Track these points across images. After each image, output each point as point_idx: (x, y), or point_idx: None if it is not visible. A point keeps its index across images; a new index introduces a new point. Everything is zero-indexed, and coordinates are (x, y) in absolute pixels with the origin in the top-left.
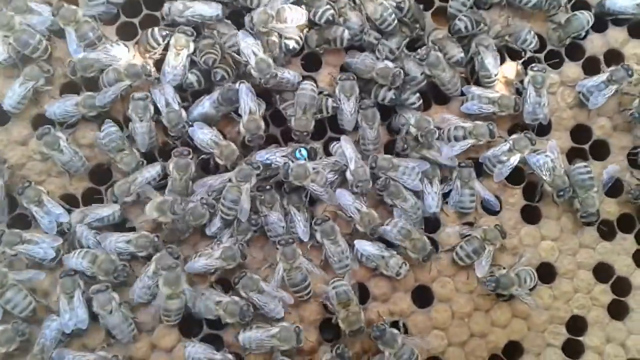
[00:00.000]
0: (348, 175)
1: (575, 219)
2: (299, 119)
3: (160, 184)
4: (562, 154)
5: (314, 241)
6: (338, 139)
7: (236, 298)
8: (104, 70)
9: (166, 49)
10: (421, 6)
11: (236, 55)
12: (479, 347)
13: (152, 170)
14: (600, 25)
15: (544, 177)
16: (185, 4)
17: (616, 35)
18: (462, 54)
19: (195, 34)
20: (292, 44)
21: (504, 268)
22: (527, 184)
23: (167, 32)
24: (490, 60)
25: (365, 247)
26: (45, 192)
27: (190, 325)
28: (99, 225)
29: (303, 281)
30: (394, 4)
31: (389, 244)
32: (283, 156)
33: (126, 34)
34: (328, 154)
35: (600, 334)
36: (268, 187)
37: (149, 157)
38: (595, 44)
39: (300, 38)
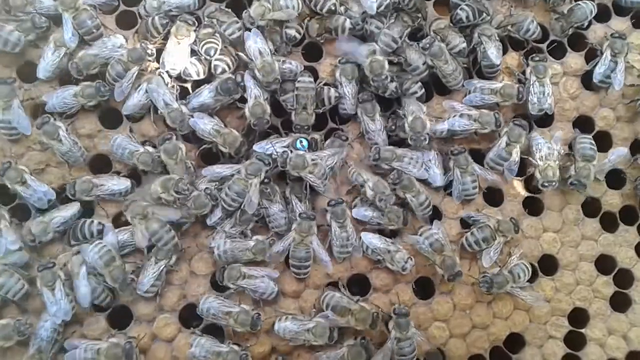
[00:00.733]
0: (368, 192)
1: (577, 210)
2: (300, 114)
3: None
4: (565, 144)
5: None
6: (339, 129)
7: (246, 307)
8: (107, 65)
9: (166, 38)
10: None
11: (243, 55)
12: (480, 338)
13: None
14: (603, 15)
15: (538, 162)
16: (158, 0)
17: (619, 26)
18: (465, 44)
19: (197, 23)
20: (292, 33)
21: (499, 266)
22: (529, 176)
23: (168, 20)
24: (492, 50)
25: (372, 239)
26: (28, 171)
27: (191, 315)
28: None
29: (305, 260)
30: None
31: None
32: (283, 147)
33: (125, 23)
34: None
35: (602, 326)
36: (267, 179)
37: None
38: (598, 34)
39: (301, 27)
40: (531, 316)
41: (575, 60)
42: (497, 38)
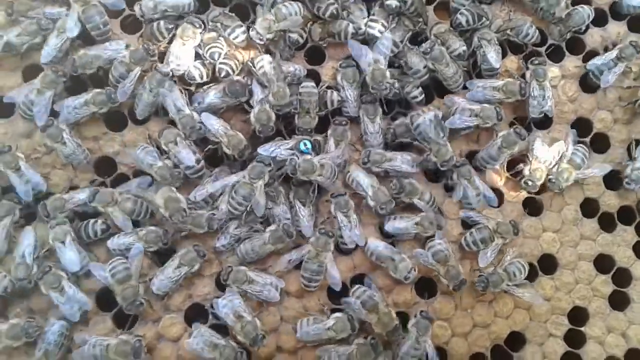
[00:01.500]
0: (369, 202)
1: (576, 210)
2: (303, 117)
3: None
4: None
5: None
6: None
7: (258, 322)
8: (110, 66)
9: (171, 42)
10: (424, 0)
11: (260, 76)
12: (481, 337)
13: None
14: (600, 19)
15: (532, 161)
16: (154, 0)
17: (616, 29)
18: (465, 47)
19: (203, 25)
20: (295, 37)
21: (494, 265)
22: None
23: (173, 25)
24: (492, 54)
25: (378, 246)
26: (24, 158)
27: (196, 315)
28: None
29: (317, 273)
30: None
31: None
32: (287, 149)
33: (131, 27)
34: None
35: (601, 324)
36: (271, 180)
37: None
38: (595, 38)
39: (304, 31)
40: (531, 315)
41: (573, 63)
42: (497, 42)
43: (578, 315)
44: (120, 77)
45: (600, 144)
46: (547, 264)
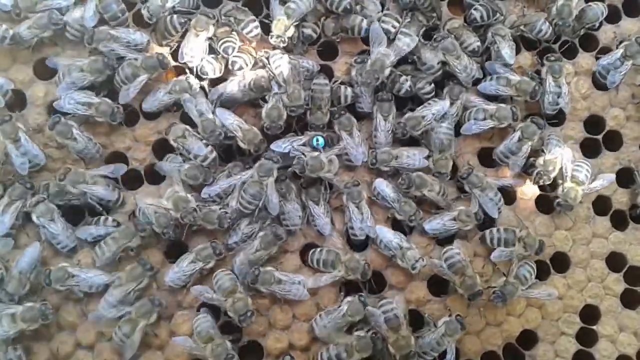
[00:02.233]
0: (397, 215)
1: (588, 208)
2: (315, 114)
3: None
4: (576, 144)
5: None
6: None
7: (249, 300)
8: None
9: (183, 36)
10: None
11: (276, 76)
12: (494, 335)
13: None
14: (613, 16)
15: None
16: None
17: (629, 27)
18: (479, 43)
19: (216, 17)
20: (308, 32)
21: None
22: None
23: (186, 19)
24: (506, 50)
25: (387, 234)
26: (24, 130)
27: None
28: None
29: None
30: None
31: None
32: (301, 145)
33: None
34: None
35: (613, 322)
36: (283, 177)
37: None
38: (608, 35)
39: (317, 26)
40: (544, 313)
41: (586, 60)
42: (511, 38)
43: (590, 314)
44: (126, 78)
45: (612, 141)
46: (559, 262)
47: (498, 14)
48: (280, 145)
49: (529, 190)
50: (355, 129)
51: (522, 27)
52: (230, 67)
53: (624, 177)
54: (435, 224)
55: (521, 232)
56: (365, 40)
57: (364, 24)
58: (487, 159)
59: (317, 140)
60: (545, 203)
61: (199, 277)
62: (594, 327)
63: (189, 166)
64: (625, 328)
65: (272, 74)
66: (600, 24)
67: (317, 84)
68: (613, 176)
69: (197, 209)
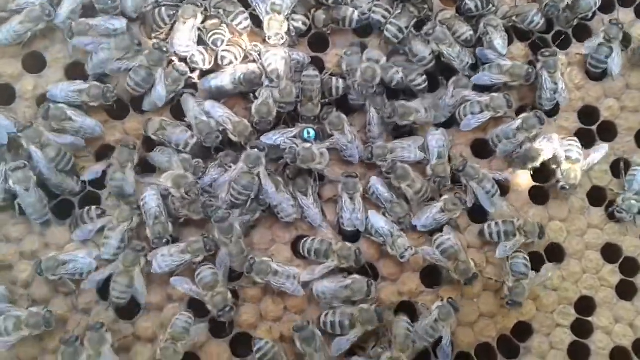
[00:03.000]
0: (387, 215)
1: (582, 199)
2: (306, 106)
3: None
4: (570, 135)
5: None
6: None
7: (229, 295)
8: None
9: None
10: None
11: (268, 72)
12: (488, 327)
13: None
14: (607, 6)
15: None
16: None
17: (623, 17)
18: (471, 32)
19: (204, 6)
20: (298, 25)
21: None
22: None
23: (174, 12)
24: (498, 40)
25: (379, 220)
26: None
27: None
28: None
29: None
30: None
31: None
32: (291, 137)
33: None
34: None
35: (608, 314)
36: (270, 171)
37: None
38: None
39: (307, 18)
40: (538, 305)
41: (579, 51)
42: (503, 29)
43: (585, 305)
44: (142, 81)
45: (607, 132)
46: (554, 254)
47: (491, 5)
48: (271, 138)
49: (522, 182)
50: (347, 125)
51: (514, 18)
52: (219, 61)
53: (619, 169)
54: (425, 219)
55: (519, 221)
56: (356, 31)
57: (355, 15)
58: (480, 150)
59: (308, 132)
60: (539, 194)
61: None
62: (590, 319)
63: (177, 159)
64: (621, 319)
65: (263, 69)
66: (594, 14)
67: (308, 76)
68: (606, 146)
69: (198, 182)
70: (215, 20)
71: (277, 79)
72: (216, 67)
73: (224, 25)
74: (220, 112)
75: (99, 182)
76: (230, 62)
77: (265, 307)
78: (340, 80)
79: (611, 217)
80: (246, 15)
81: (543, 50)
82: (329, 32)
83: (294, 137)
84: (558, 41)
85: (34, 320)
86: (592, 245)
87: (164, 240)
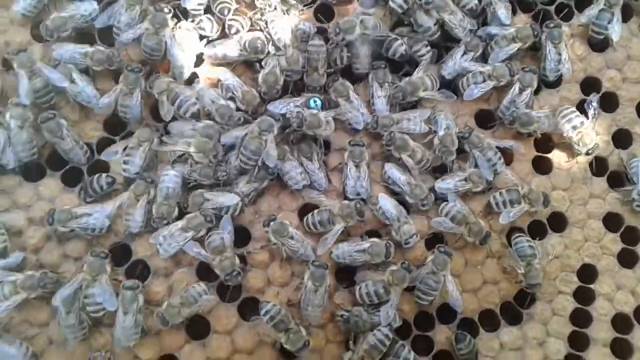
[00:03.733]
0: (407, 198)
1: (585, 169)
2: (311, 75)
3: None
4: (573, 105)
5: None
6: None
7: (237, 260)
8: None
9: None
10: None
11: (275, 40)
12: (491, 293)
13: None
14: None
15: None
16: None
17: None
18: (476, 1)
19: None
20: None
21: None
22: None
23: None
24: (502, 10)
25: (388, 203)
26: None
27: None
28: None
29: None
30: None
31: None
32: (297, 106)
33: None
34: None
35: (610, 281)
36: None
37: None
38: None
39: None
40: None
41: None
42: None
43: (587, 273)
44: (152, 49)
45: (609, 103)
46: (556, 222)
47: None
48: (277, 106)
49: (525, 151)
50: (352, 92)
51: None
52: (227, 30)
53: (621, 139)
54: (446, 183)
55: (523, 190)
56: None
57: None
58: (484, 120)
59: (315, 101)
60: (542, 164)
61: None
62: (592, 286)
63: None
64: (623, 287)
65: (270, 37)
66: None
67: (313, 45)
68: (597, 96)
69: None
70: None
71: (284, 47)
72: (223, 36)
73: None
74: (230, 79)
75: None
76: (237, 31)
77: (272, 272)
78: (345, 49)
79: (612, 186)
80: None
81: (547, 22)
82: (334, 2)
83: (300, 105)
84: (561, 14)
85: (29, 282)
86: (594, 214)
87: (164, 222)
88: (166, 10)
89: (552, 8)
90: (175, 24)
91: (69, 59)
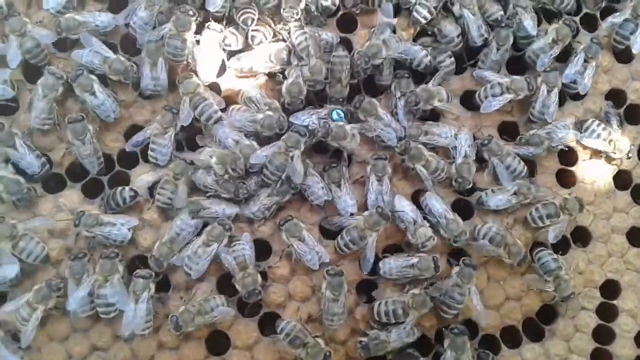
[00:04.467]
0: (441, 231)
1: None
2: (334, 86)
3: None
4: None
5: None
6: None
7: (259, 278)
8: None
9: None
10: None
11: (298, 50)
12: (514, 310)
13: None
14: None
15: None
16: None
17: None
18: (502, 12)
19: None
20: (327, 4)
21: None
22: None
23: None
24: (529, 21)
25: (405, 206)
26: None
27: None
28: None
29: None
30: None
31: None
32: (320, 118)
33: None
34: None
35: (633, 297)
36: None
37: None
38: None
39: None
40: None
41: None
42: (532, 9)
43: (610, 288)
44: (176, 51)
45: (634, 115)
46: (580, 237)
47: None
48: (300, 118)
49: (549, 164)
50: (380, 109)
51: None
52: (250, 41)
53: None
54: (498, 199)
55: (558, 200)
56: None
57: None
58: (507, 133)
59: (338, 113)
60: (565, 177)
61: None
62: (615, 302)
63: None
64: None
65: (293, 47)
66: None
67: (337, 56)
68: (610, 104)
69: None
70: None
71: (307, 57)
72: (246, 47)
73: (254, 4)
74: (253, 92)
75: (130, 161)
76: (260, 42)
77: (293, 287)
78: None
79: (636, 200)
80: None
81: (593, 37)
82: (357, 12)
83: (323, 117)
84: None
85: (41, 294)
86: (618, 229)
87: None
88: (190, 13)
89: (577, 18)
90: (199, 29)
91: (87, 61)
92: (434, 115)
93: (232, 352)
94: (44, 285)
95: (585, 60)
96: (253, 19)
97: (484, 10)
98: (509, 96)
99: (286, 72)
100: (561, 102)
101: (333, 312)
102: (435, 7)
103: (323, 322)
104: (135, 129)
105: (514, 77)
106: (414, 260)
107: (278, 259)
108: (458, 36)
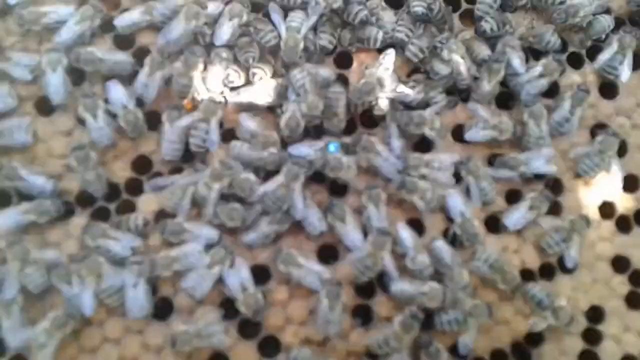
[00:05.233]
0: (456, 230)
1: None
2: (331, 120)
3: None
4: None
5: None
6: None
7: (260, 296)
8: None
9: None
10: (450, 8)
11: (296, 87)
12: (502, 334)
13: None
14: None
15: None
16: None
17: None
18: (489, 52)
19: (250, 6)
20: (325, 43)
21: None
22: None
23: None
24: (517, 60)
25: (405, 234)
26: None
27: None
28: None
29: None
30: (426, 5)
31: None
32: (317, 150)
33: None
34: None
35: (618, 323)
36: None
37: None
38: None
39: (333, 37)
40: None
41: (592, 70)
42: (520, 49)
43: (595, 314)
44: (183, 89)
45: (619, 149)
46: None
47: (507, 26)
48: (299, 149)
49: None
50: (379, 145)
51: (530, 39)
52: (250, 77)
53: (629, 183)
54: (516, 219)
55: (567, 224)
56: (379, 50)
57: (380, 35)
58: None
59: (334, 146)
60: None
61: None
62: (599, 327)
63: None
64: (630, 329)
65: (291, 83)
66: (607, 36)
67: (333, 92)
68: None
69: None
70: (246, 39)
71: (304, 93)
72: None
73: (255, 43)
74: (251, 125)
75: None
76: (261, 78)
77: (291, 311)
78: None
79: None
80: (275, 33)
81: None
82: (354, 50)
83: (320, 149)
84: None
85: (58, 322)
86: (602, 257)
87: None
88: (198, 53)
89: (563, 57)
90: (205, 67)
91: (127, 25)
92: (425, 145)
93: None
94: (59, 313)
95: (572, 106)
96: (254, 58)
97: (472, 51)
98: (493, 133)
99: (283, 107)
100: None
101: (330, 319)
102: (427, 47)
103: (318, 327)
104: (142, 159)
105: (503, 118)
106: (426, 289)
107: (277, 285)
108: (449, 74)
